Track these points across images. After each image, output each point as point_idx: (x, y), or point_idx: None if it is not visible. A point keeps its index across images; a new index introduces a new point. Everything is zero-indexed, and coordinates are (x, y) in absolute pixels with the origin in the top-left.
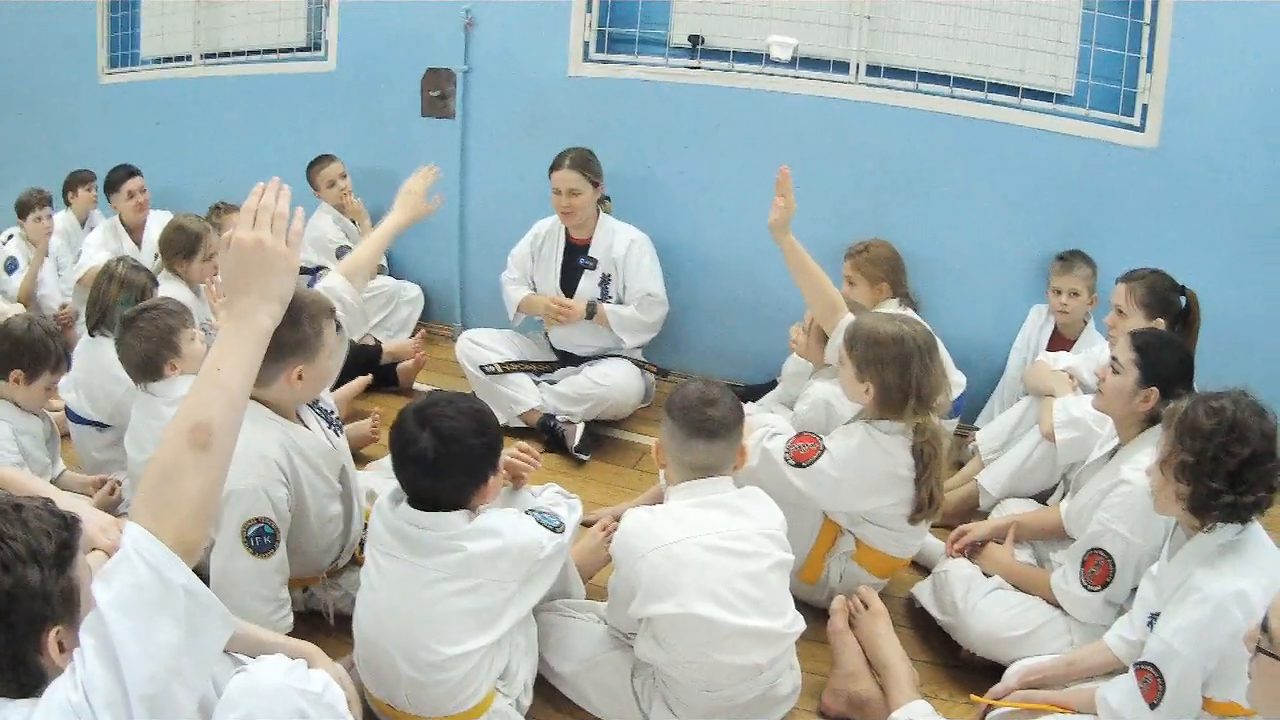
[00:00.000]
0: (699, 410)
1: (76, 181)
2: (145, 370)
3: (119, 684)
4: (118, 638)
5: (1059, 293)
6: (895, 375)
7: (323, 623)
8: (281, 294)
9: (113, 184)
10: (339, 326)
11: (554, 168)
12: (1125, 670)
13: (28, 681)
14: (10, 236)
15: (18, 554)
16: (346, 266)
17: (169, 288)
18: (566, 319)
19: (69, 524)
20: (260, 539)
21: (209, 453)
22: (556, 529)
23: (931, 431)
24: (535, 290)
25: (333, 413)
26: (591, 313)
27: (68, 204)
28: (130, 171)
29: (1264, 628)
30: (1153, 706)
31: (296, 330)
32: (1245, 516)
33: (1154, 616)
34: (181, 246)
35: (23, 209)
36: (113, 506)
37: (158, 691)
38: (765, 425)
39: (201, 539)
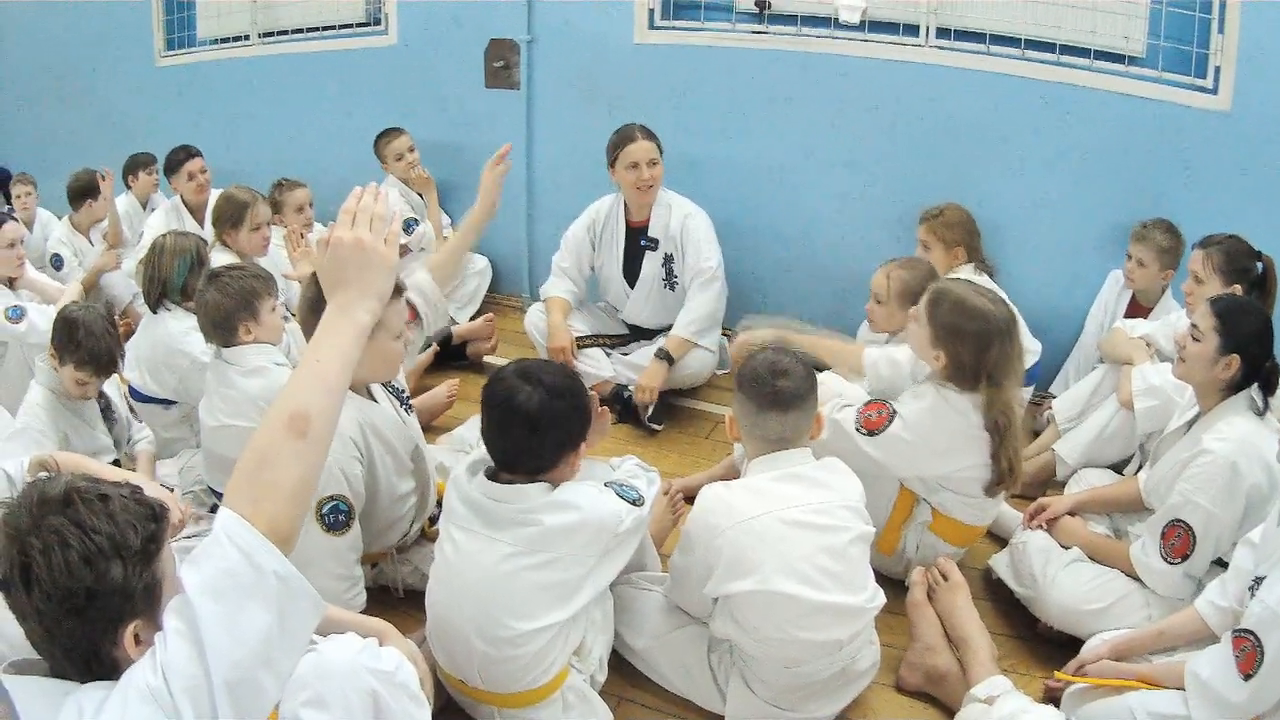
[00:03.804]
0: (769, 382)
1: (137, 165)
2: (221, 328)
3: (202, 669)
4: (204, 623)
5: (1129, 258)
6: (971, 353)
7: (391, 598)
8: (380, 291)
9: (172, 166)
10: (418, 314)
11: (626, 141)
12: (1215, 641)
13: (100, 672)
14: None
15: (101, 549)
16: (433, 263)
17: (219, 260)
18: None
19: (157, 515)
20: (335, 516)
21: (306, 441)
22: (636, 502)
23: (1003, 404)
24: (596, 275)
25: (403, 391)
26: (672, 359)
27: (128, 187)
28: (190, 153)
29: None
30: (1247, 678)
31: None
32: None
33: (1258, 581)
34: (228, 216)
35: (82, 193)
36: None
37: (242, 678)
38: (837, 395)
39: (295, 529)
